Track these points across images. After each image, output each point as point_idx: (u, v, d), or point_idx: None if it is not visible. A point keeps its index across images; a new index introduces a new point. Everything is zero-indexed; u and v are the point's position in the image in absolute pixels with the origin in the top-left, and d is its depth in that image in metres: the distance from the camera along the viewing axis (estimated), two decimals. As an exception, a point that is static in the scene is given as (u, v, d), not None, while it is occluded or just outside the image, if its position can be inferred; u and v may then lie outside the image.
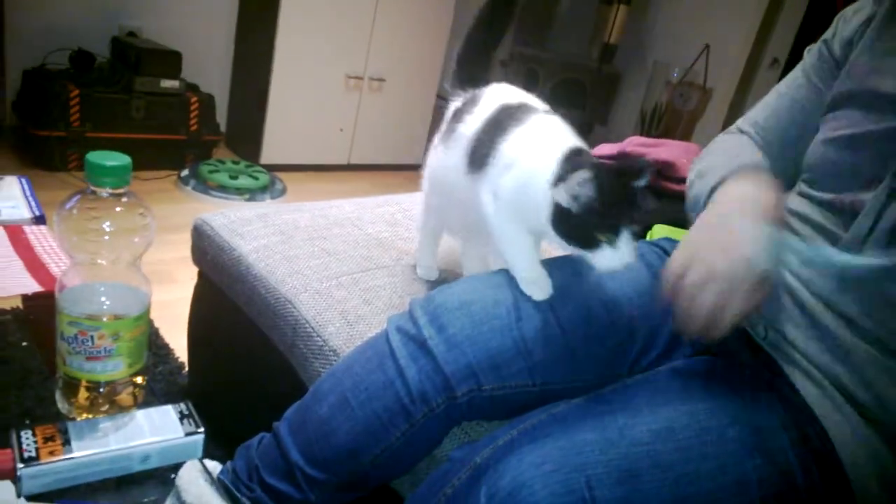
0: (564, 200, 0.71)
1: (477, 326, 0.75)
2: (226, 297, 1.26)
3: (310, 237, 1.28)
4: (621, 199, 0.71)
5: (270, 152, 3.21)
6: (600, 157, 1.84)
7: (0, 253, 0.89)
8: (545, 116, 0.85)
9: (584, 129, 3.99)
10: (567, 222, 0.72)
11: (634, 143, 1.82)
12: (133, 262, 0.61)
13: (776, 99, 0.97)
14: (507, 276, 0.83)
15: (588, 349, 0.78)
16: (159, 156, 2.87)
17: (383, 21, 3.27)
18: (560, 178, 0.72)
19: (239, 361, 1.30)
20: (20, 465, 0.61)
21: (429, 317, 0.77)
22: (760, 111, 0.98)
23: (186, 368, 1.57)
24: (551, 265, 0.85)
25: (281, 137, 3.22)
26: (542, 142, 0.80)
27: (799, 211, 0.83)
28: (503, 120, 0.83)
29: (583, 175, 0.69)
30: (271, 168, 3.13)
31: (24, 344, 0.80)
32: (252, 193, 2.84)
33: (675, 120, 3.76)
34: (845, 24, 0.88)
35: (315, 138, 3.35)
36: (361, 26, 3.23)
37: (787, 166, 0.92)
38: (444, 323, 0.76)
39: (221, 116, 3.27)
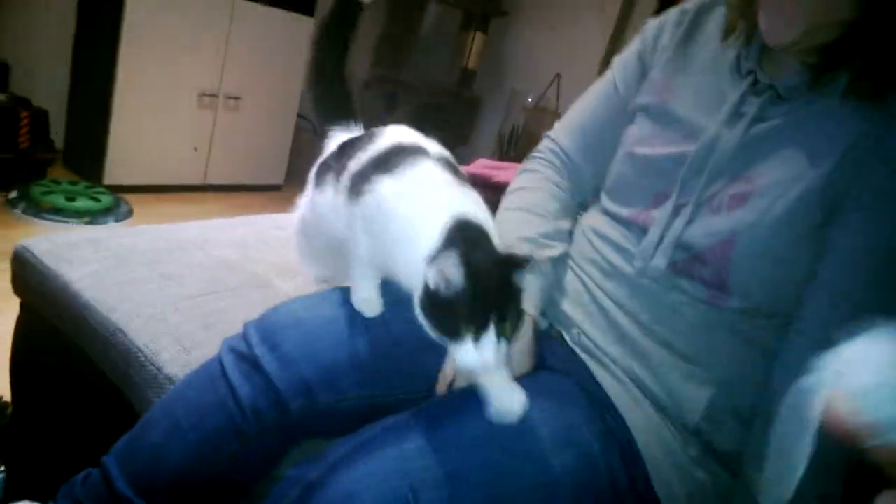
0: (433, 281, 0.65)
1: (311, 343, 0.75)
2: (52, 329, 1.17)
3: (147, 261, 1.22)
4: (496, 289, 0.64)
5: (115, 171, 3.00)
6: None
7: None
8: (440, 164, 0.78)
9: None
10: (432, 303, 0.66)
11: (481, 166, 1.90)
12: None
13: (587, 106, 1.03)
14: (341, 293, 0.84)
15: (419, 360, 0.80)
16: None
17: (238, 37, 3.18)
18: (437, 254, 0.66)
19: (68, 395, 1.20)
20: None
21: (261, 335, 0.77)
22: (573, 119, 1.05)
23: (10, 408, 1.42)
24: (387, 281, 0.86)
25: (127, 155, 3.02)
26: (428, 195, 0.73)
27: (599, 230, 0.91)
28: (393, 157, 0.78)
29: (453, 258, 0.62)
30: (116, 189, 2.93)
31: None
32: (93, 216, 2.64)
33: (530, 143, 3.96)
34: (659, 36, 0.95)
35: (166, 157, 3.18)
36: (215, 42, 3.12)
37: (593, 173, 1.00)
38: (278, 341, 0.76)
39: (58, 132, 3.03)
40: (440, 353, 0.82)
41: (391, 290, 0.83)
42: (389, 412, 0.75)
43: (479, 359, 0.64)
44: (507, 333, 0.65)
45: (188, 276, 1.19)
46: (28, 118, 2.67)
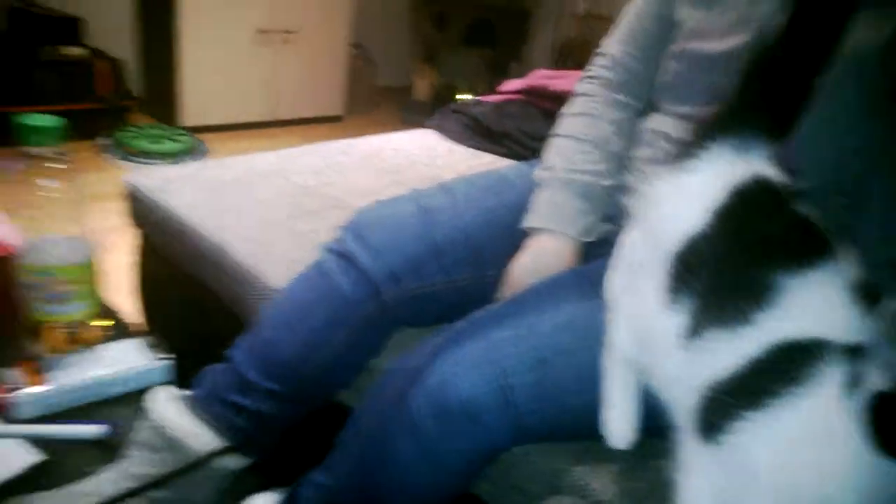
0: None
1: (395, 236, 0.89)
2: (165, 254, 1.34)
3: (237, 190, 1.37)
4: None
5: (190, 114, 3.19)
6: (507, 91, 1.97)
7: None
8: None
9: (499, 68, 4.06)
10: None
11: (538, 77, 1.95)
12: (72, 216, 0.70)
13: (634, 9, 1.03)
14: (417, 192, 0.96)
15: (492, 248, 0.92)
16: (74, 126, 2.81)
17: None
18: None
19: (187, 313, 1.38)
20: (10, 395, 0.70)
21: (353, 234, 0.90)
22: (623, 26, 1.05)
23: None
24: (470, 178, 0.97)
25: (199, 98, 3.19)
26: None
27: (661, 130, 0.95)
28: (777, 368, 0.49)
29: None
30: (193, 130, 3.12)
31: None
32: (176, 157, 2.84)
33: (585, 52, 3.90)
34: None
35: (234, 96, 3.34)
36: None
37: (651, 75, 1.00)
38: (367, 237, 0.89)
39: (135, 81, 3.22)
40: (505, 243, 0.93)
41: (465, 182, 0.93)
42: (468, 296, 0.88)
43: None
44: None
45: (274, 202, 1.34)
46: (106, 69, 2.85)
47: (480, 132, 1.82)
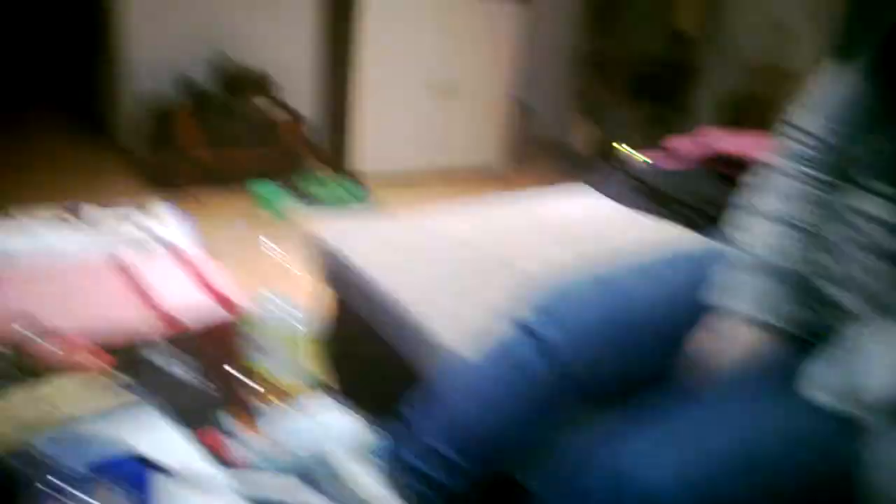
0: None
1: (582, 314, 0.88)
2: (347, 307, 1.42)
3: (412, 246, 1.43)
4: None
5: (358, 162, 3.41)
6: (675, 151, 1.92)
7: (175, 278, 1.06)
8: None
9: (662, 123, 3.97)
10: None
11: (709, 136, 1.88)
12: (289, 277, 0.76)
13: (837, 85, 0.98)
14: (597, 267, 0.95)
15: (677, 328, 0.89)
16: (258, 170, 3.10)
17: (455, 29, 3.43)
18: None
19: (364, 366, 1.44)
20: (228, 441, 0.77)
21: (540, 310, 0.91)
22: (818, 94, 0.99)
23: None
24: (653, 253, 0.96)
25: (367, 147, 3.41)
26: None
27: (863, 209, 0.88)
28: None
29: None
30: (361, 178, 3.32)
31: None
32: (346, 203, 3.04)
33: (757, 107, 3.72)
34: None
35: (400, 146, 3.53)
36: (436, 35, 3.40)
37: (852, 154, 0.93)
38: (555, 314, 0.89)
39: (312, 130, 3.49)
40: (692, 324, 0.89)
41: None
42: (653, 376, 0.85)
43: None
44: None
45: (444, 257, 1.39)
46: (289, 119, 3.12)
47: (648, 194, 1.78)
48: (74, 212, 1.15)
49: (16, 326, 0.83)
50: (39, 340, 0.80)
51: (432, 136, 3.62)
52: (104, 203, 1.23)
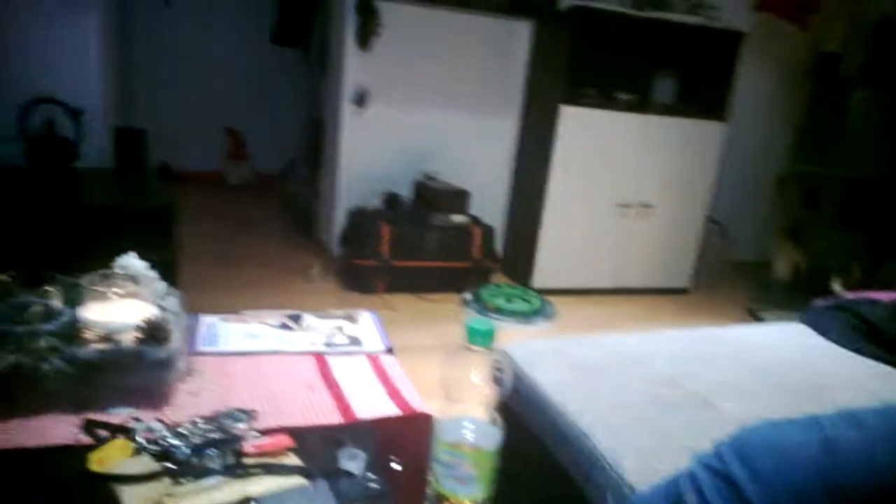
0: None
1: (789, 469, 0.78)
2: (522, 424, 1.40)
3: (600, 372, 1.39)
4: None
5: (542, 277, 3.44)
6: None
7: (366, 378, 1.14)
8: None
9: (879, 252, 3.59)
10: None
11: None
12: (493, 406, 0.77)
13: None
14: (814, 418, 0.85)
15: None
16: (447, 280, 3.25)
17: (651, 149, 3.42)
18: None
19: (535, 487, 1.41)
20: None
21: (736, 454, 0.82)
22: None
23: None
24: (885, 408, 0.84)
25: (552, 264, 3.44)
26: None
27: None
28: None
29: None
30: (542, 292, 3.34)
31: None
32: (527, 316, 3.05)
33: None
34: None
35: (583, 264, 3.52)
36: (631, 156, 3.41)
37: None
38: (753, 462, 0.80)
39: (499, 245, 3.62)
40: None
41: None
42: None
43: None
44: None
45: (637, 389, 1.32)
46: (480, 234, 3.26)
47: (872, 337, 1.58)
48: (295, 319, 1.28)
49: (223, 410, 0.92)
50: (241, 424, 0.88)
51: (621, 254, 3.57)
52: (317, 310, 1.35)
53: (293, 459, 0.85)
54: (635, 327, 3.21)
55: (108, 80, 2.91)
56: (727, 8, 3.54)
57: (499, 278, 3.53)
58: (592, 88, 3.37)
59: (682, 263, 3.74)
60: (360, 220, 3.20)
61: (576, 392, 1.30)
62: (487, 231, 3.33)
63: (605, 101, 3.36)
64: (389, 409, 1.04)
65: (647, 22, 3.30)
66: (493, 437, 0.78)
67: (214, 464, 0.77)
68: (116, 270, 1.06)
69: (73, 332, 0.91)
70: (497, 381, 0.76)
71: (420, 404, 1.06)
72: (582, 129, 3.28)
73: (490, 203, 3.65)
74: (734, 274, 4.12)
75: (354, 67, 3.23)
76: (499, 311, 3.06)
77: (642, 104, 3.46)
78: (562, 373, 1.37)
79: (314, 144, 3.93)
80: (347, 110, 3.29)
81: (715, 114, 3.51)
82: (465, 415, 0.78)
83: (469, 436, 0.78)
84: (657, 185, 3.51)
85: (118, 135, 2.35)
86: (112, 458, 0.78)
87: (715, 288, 3.92)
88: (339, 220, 3.41)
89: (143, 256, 1.13)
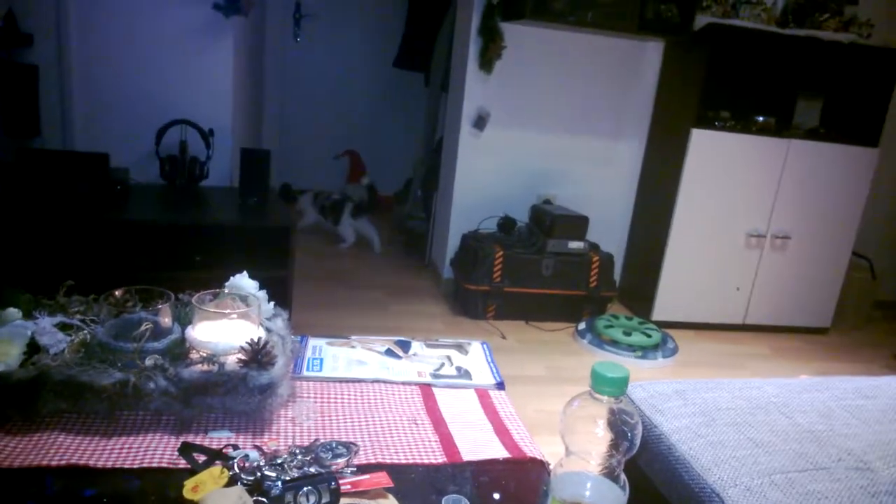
0: None
1: None
2: (640, 473, 1.27)
3: (733, 421, 1.24)
4: None
5: (662, 309, 3.23)
6: None
7: (474, 415, 1.06)
8: None
9: None
10: None
11: None
12: (619, 464, 0.67)
13: None
14: None
15: None
16: (560, 309, 3.12)
17: (791, 175, 3.13)
18: None
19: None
20: None
21: None
22: None
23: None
24: None
25: (674, 295, 3.23)
26: None
27: None
28: None
29: None
30: (662, 325, 3.13)
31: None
32: (644, 350, 2.87)
33: None
34: None
35: (708, 297, 3.28)
36: (766, 183, 3.14)
37: None
38: None
39: (616, 274, 3.44)
40: None
41: None
42: None
43: None
44: None
45: (776, 445, 1.16)
46: (598, 262, 3.12)
47: None
48: (403, 346, 1.23)
49: (323, 441, 0.87)
50: (340, 459, 0.83)
51: (751, 287, 3.29)
52: (425, 334, 1.30)
53: (391, 501, 0.79)
54: (764, 367, 2.94)
55: (239, 104, 3.06)
56: (884, 24, 3.22)
57: (616, 309, 3.35)
58: (727, 111, 3.15)
59: (821, 301, 3.39)
60: (473, 244, 3.15)
61: (704, 443, 1.16)
62: (606, 259, 3.18)
63: (740, 124, 3.14)
64: (498, 452, 0.95)
65: (792, 40, 3.05)
66: (613, 495, 0.68)
67: (308, 503, 0.72)
68: (227, 290, 1.06)
69: (179, 351, 0.91)
70: (624, 435, 0.66)
71: (532, 449, 0.97)
72: (714, 154, 3.07)
73: (609, 229, 3.49)
74: (880, 315, 3.71)
75: (475, 90, 3.21)
76: (614, 343, 2.90)
77: (781, 127, 3.19)
78: (687, 420, 1.24)
79: (431, 166, 3.94)
80: (466, 132, 3.27)
81: (865, 139, 3.19)
82: (583, 471, 0.69)
83: (589, 495, 0.68)
84: (796, 214, 3.21)
85: (243, 155, 2.44)
86: (207, 487, 0.75)
87: (857, 329, 3.53)
88: (452, 242, 3.38)
89: (260, 274, 1.12)
